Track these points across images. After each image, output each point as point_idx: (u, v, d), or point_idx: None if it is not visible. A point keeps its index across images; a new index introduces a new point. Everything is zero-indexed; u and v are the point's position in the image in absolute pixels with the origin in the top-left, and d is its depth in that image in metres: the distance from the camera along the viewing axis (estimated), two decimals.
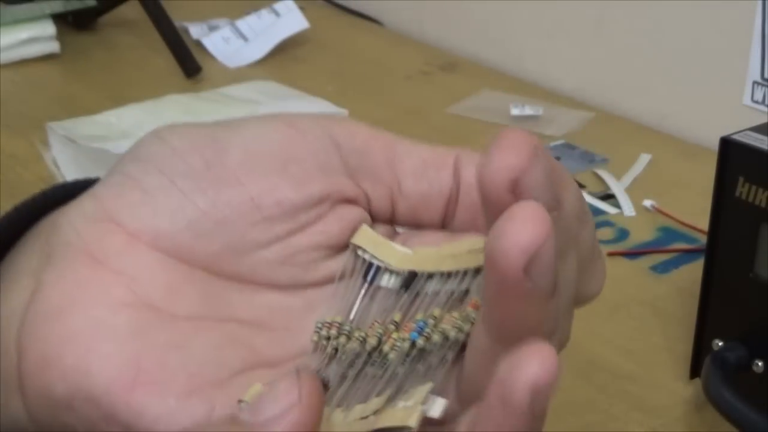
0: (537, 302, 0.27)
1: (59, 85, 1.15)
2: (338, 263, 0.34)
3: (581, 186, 0.94)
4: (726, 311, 0.63)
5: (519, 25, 1.19)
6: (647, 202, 0.90)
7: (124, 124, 0.92)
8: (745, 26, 0.97)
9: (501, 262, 0.26)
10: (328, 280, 0.34)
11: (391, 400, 0.32)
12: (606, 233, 0.87)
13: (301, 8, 1.22)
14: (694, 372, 0.66)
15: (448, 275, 0.33)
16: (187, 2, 1.29)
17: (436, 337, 0.32)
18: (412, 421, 0.30)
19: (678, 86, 1.06)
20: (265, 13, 1.22)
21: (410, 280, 0.34)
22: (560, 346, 0.31)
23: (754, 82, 0.98)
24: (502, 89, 1.12)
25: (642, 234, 0.87)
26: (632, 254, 0.84)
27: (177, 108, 0.96)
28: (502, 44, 1.21)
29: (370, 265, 0.34)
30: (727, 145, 0.61)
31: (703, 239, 0.64)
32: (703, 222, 0.64)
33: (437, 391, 0.32)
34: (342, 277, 0.34)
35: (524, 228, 0.26)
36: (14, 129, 0.99)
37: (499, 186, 0.27)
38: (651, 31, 1.07)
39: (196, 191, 0.32)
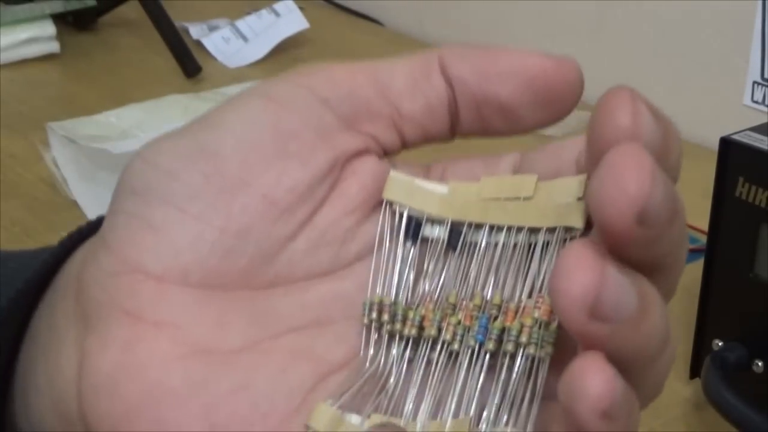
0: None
1: (59, 85, 1.15)
2: (374, 225, 0.31)
3: None
4: (726, 311, 0.63)
5: (519, 25, 1.19)
6: None
7: (124, 124, 0.92)
8: (745, 26, 0.97)
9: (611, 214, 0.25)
10: (370, 248, 0.31)
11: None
12: None
13: (301, 8, 1.22)
14: (694, 372, 0.66)
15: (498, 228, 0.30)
16: (187, 2, 1.29)
17: (509, 347, 0.29)
18: None
19: (678, 86, 1.06)
20: (265, 13, 1.22)
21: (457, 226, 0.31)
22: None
23: (754, 82, 0.98)
24: None
25: None
26: None
27: (177, 108, 0.96)
28: (502, 44, 1.21)
29: (410, 219, 0.31)
30: (727, 145, 0.61)
31: (703, 239, 0.64)
32: (703, 222, 0.64)
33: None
34: (381, 240, 0.31)
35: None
36: (14, 129, 0.99)
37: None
38: (651, 31, 1.07)
39: (206, 210, 0.29)
